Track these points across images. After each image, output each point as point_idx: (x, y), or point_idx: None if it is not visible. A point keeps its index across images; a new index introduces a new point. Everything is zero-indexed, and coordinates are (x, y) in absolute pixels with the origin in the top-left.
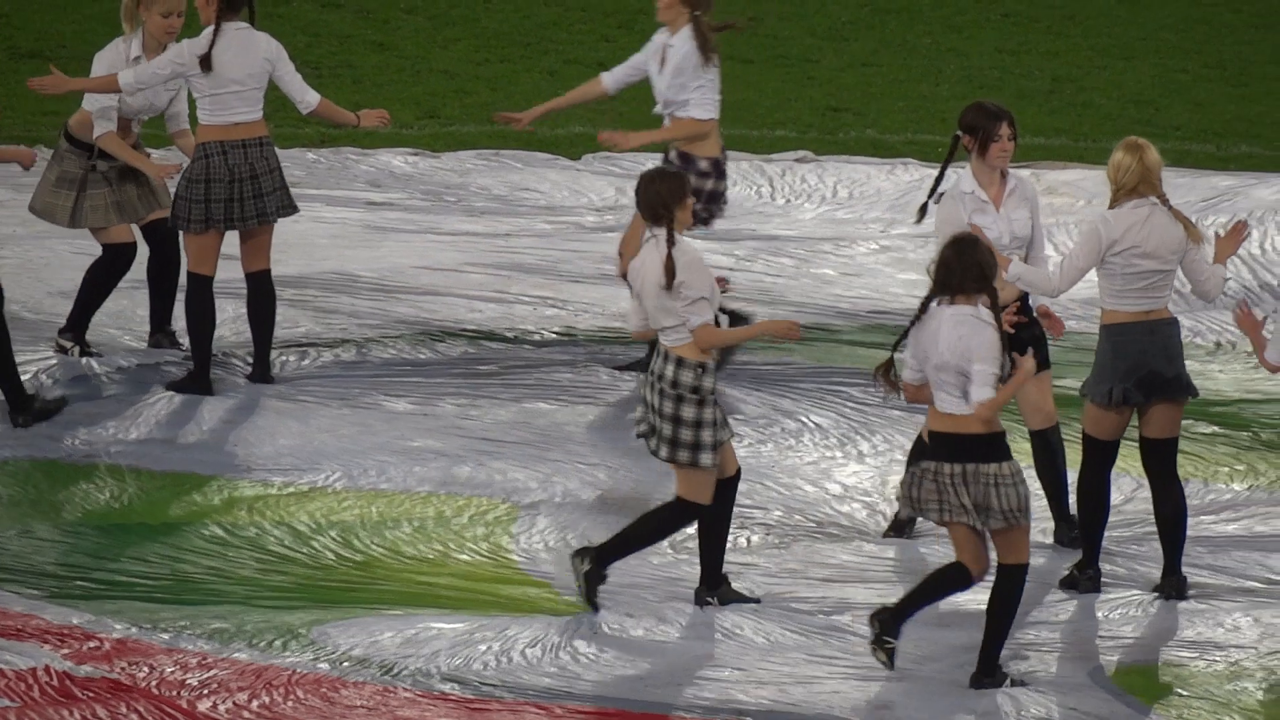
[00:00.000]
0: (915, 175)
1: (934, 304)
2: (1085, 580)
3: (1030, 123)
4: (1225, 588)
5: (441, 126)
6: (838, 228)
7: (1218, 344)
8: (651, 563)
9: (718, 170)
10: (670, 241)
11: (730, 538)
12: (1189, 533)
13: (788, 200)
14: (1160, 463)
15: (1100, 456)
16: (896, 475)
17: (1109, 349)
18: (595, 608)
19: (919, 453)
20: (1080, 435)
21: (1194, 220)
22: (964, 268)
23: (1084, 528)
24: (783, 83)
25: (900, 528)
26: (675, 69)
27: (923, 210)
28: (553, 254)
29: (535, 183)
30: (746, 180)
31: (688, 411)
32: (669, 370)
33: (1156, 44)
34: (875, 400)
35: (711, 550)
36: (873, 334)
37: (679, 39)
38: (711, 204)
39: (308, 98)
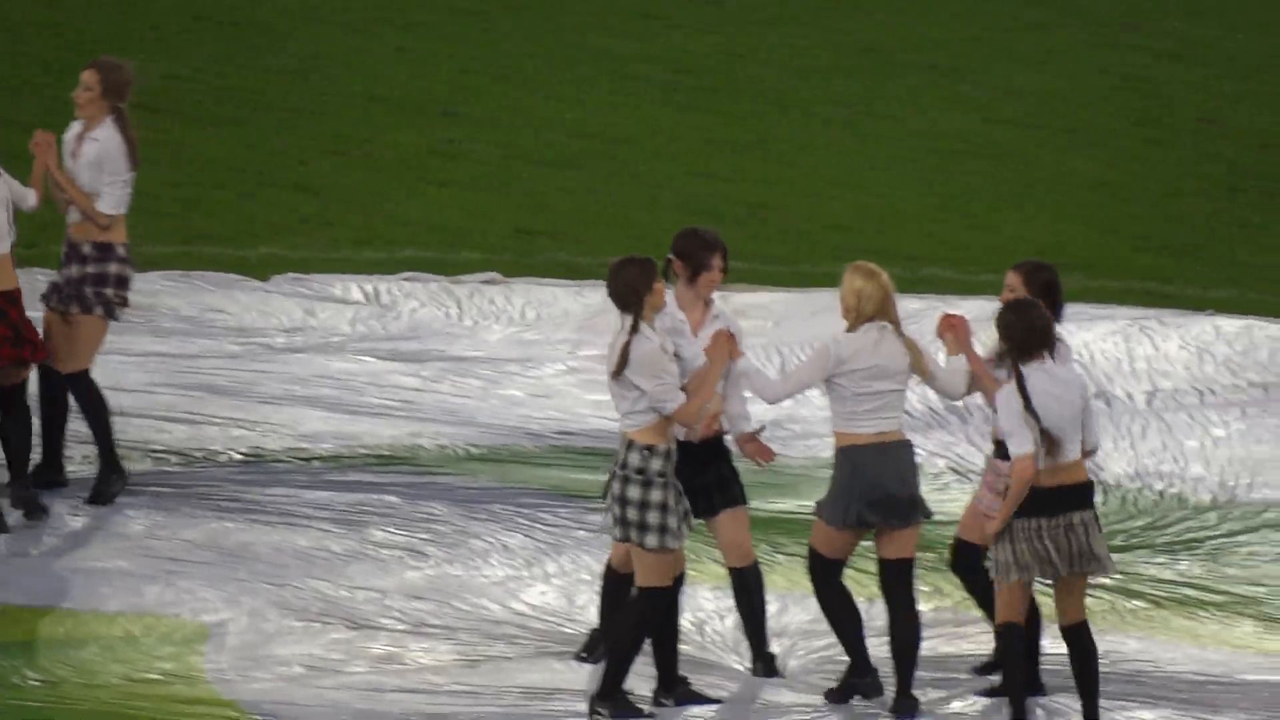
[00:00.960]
0: (603, 296)
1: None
2: (868, 685)
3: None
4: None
5: (131, 247)
6: (525, 349)
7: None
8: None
9: (129, 256)
10: (634, 329)
11: (415, 656)
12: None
13: (475, 321)
14: (898, 583)
15: (829, 571)
16: (584, 596)
17: (847, 470)
18: None
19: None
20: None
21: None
22: (1042, 325)
23: (846, 639)
24: (475, 205)
25: (593, 648)
26: (95, 161)
27: None
28: (242, 375)
29: (224, 304)
30: (435, 301)
31: (633, 492)
32: (621, 453)
33: (891, 173)
34: (562, 522)
35: (662, 652)
36: (561, 455)
37: (101, 132)
38: (126, 289)
39: (29, 200)
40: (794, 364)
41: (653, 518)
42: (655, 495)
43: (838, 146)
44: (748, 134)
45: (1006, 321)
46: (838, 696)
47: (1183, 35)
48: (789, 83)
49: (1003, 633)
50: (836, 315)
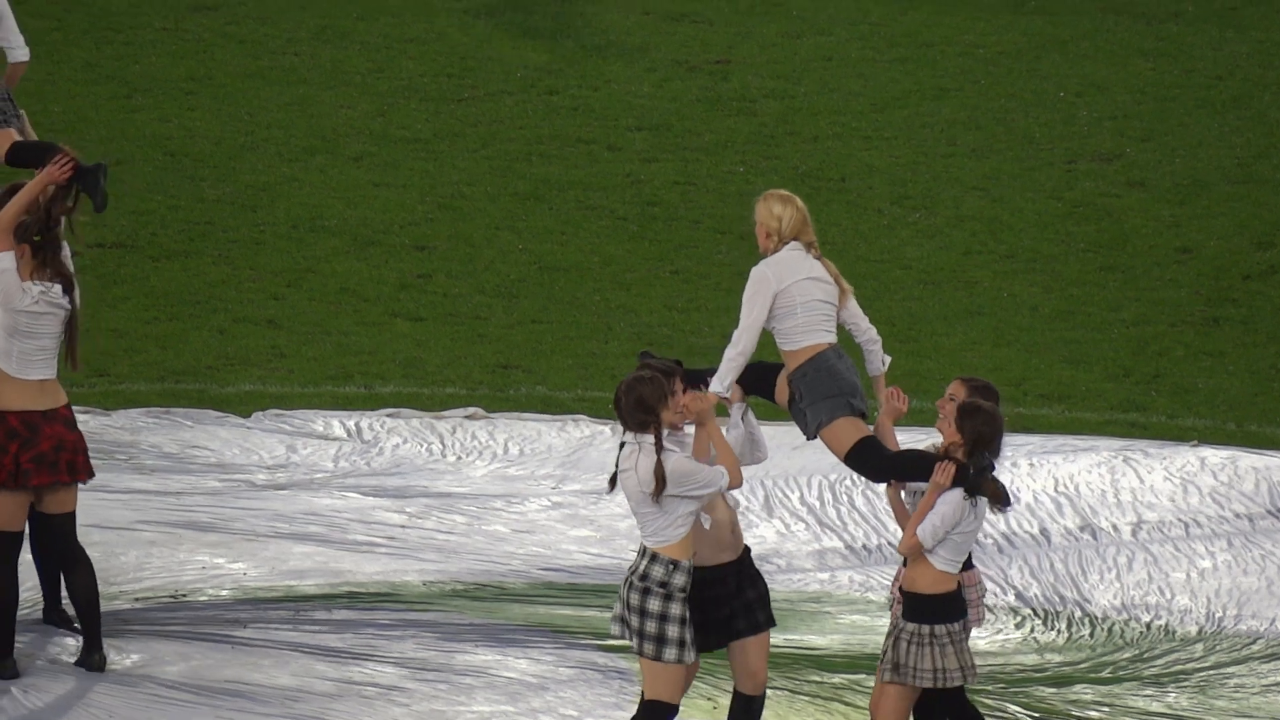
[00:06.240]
0: (586, 431)
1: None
2: None
3: None
4: None
5: (111, 385)
6: (509, 484)
7: None
8: None
9: None
10: (659, 447)
11: None
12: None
13: (459, 457)
14: None
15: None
16: None
17: (826, 371)
18: None
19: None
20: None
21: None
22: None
23: None
24: (453, 340)
25: None
26: None
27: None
28: (225, 511)
29: (206, 440)
30: (418, 437)
31: (653, 604)
32: (643, 564)
33: None
34: (548, 657)
35: None
36: (545, 590)
37: None
38: None
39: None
40: (779, 498)
41: (672, 631)
42: (675, 610)
43: None
44: (697, 262)
45: (979, 427)
46: None
47: (1143, 161)
48: (732, 209)
49: None
50: (817, 450)
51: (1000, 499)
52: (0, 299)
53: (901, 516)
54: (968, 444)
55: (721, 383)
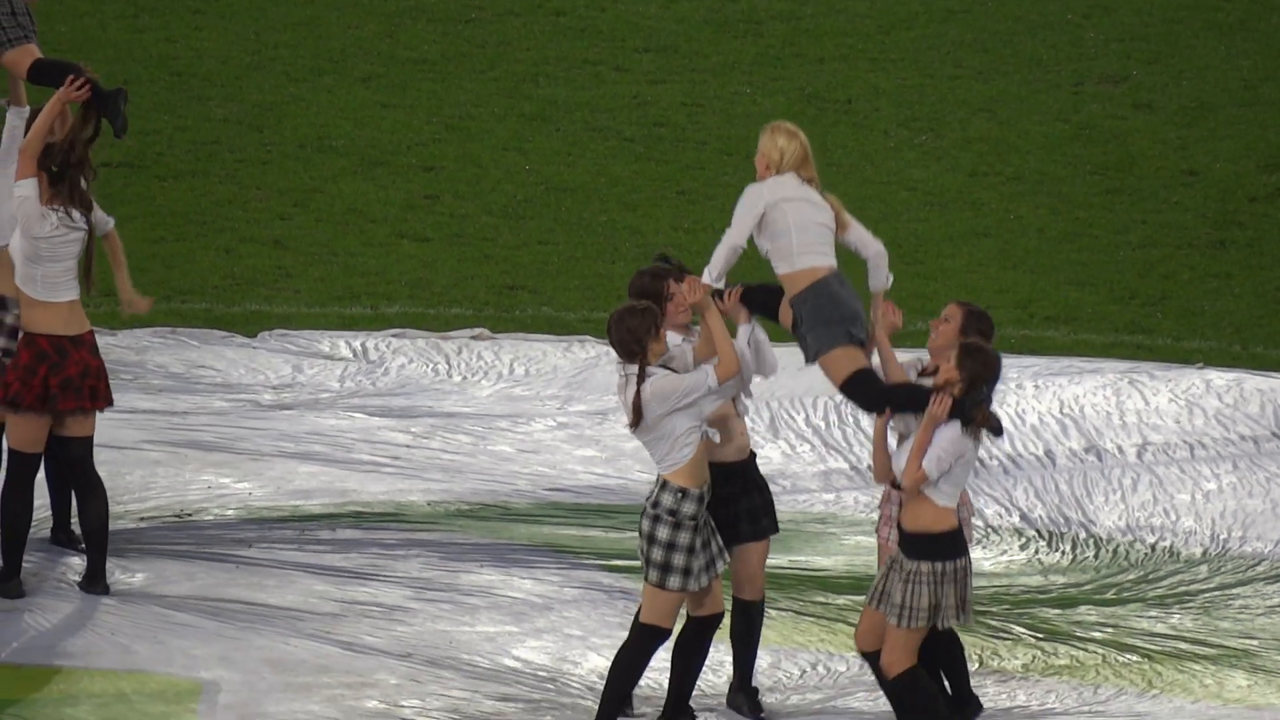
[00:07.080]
0: (591, 352)
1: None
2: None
3: None
4: None
5: (117, 304)
6: (514, 405)
7: None
8: None
9: None
10: (640, 378)
11: (407, 715)
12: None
13: (464, 377)
14: None
15: None
16: (575, 650)
17: (827, 297)
18: None
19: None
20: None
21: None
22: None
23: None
24: (459, 261)
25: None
26: None
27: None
28: (231, 431)
29: (212, 360)
30: (423, 357)
31: (662, 532)
32: (654, 492)
33: None
34: (552, 577)
35: (677, 682)
36: (550, 510)
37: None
38: None
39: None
40: (784, 419)
41: (678, 560)
42: (683, 538)
43: None
44: (703, 183)
45: (978, 361)
46: None
47: (1150, 84)
48: (738, 130)
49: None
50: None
51: (993, 427)
52: (21, 226)
53: (880, 448)
54: (965, 382)
55: (710, 273)
